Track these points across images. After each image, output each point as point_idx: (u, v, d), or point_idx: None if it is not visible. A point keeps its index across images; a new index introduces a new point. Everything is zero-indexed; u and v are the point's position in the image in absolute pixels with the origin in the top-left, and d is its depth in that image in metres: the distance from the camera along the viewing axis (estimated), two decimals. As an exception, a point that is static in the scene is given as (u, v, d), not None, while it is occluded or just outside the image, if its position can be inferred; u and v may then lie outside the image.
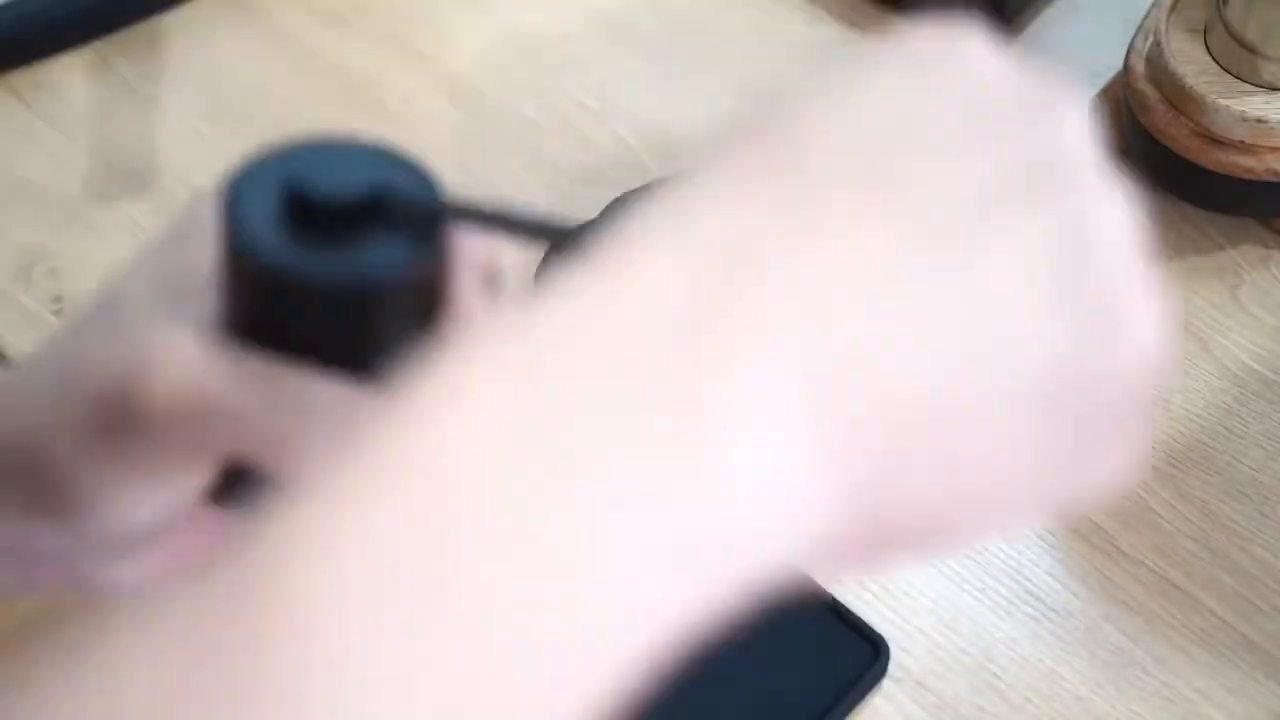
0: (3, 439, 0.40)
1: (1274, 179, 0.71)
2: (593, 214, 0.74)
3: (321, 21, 0.85)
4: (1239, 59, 0.71)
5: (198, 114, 0.80)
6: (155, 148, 0.79)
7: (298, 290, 0.37)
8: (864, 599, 0.64)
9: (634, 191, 0.74)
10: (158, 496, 0.39)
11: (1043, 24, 0.84)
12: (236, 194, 0.37)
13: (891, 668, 0.62)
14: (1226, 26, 0.71)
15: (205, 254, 0.39)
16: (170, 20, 0.84)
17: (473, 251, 0.39)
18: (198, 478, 0.39)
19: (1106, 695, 0.62)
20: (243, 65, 0.83)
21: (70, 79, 0.82)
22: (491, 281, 0.40)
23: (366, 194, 0.36)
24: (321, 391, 0.37)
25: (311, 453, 0.35)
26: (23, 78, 0.82)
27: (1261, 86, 0.71)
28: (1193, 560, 0.65)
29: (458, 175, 0.80)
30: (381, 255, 0.36)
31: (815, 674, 0.61)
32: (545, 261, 0.72)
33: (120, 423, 0.38)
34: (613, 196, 0.74)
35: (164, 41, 0.84)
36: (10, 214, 0.76)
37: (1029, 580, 0.64)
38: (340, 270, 0.36)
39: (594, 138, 0.79)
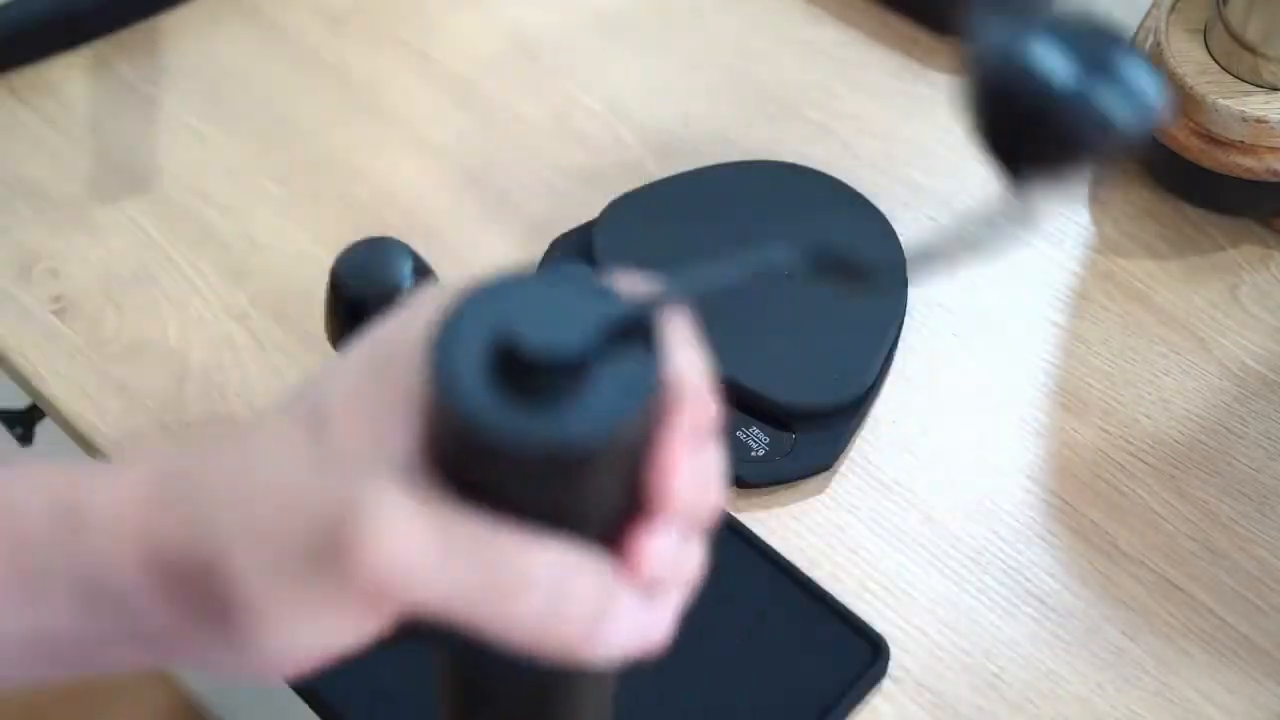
0: (189, 545, 0.39)
1: (1274, 179, 0.71)
2: (593, 214, 0.74)
3: (321, 21, 0.85)
4: (1239, 59, 0.71)
5: (198, 114, 0.81)
6: (155, 148, 0.79)
7: (504, 452, 0.35)
8: (864, 599, 0.64)
9: (634, 191, 0.74)
10: (340, 638, 0.38)
11: (1043, 24, 0.84)
12: (446, 342, 0.36)
13: (891, 668, 0.62)
14: (1226, 26, 0.71)
15: (411, 384, 0.37)
16: (170, 20, 0.85)
17: (688, 401, 0.38)
18: (389, 623, 0.38)
19: (1106, 695, 0.62)
20: (243, 65, 0.83)
21: (70, 79, 0.82)
22: (700, 439, 0.39)
23: (580, 352, 0.35)
24: (534, 557, 0.36)
25: (521, 618, 0.36)
26: (23, 78, 0.82)
27: (1261, 86, 0.71)
28: (1193, 560, 0.65)
29: (458, 175, 0.81)
30: (590, 416, 0.35)
31: (815, 674, 0.61)
32: (546, 258, 0.72)
33: (322, 567, 0.37)
34: (613, 196, 0.74)
35: (164, 41, 0.84)
36: (10, 214, 0.76)
37: (1029, 580, 0.65)
38: (546, 429, 0.35)
39: (594, 138, 0.80)
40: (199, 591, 0.39)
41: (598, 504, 0.37)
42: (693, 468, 0.38)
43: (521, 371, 0.35)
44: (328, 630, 0.38)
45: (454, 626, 0.37)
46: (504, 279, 0.37)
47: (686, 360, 0.39)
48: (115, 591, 0.40)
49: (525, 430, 0.35)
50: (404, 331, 0.39)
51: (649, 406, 0.36)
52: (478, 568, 0.36)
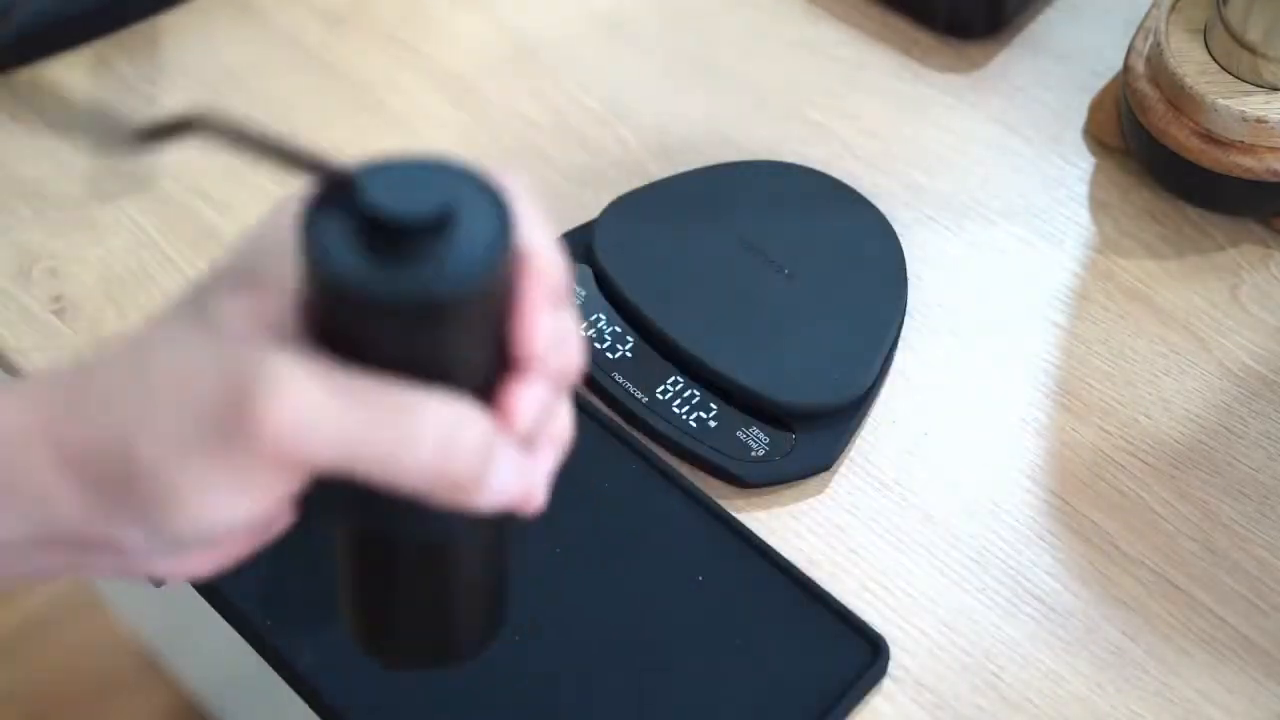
0: (96, 437, 0.41)
1: (1274, 179, 0.71)
2: (593, 214, 0.74)
3: (321, 21, 0.85)
4: (1239, 59, 0.71)
5: (198, 114, 0.80)
6: (155, 147, 0.79)
7: (376, 307, 0.39)
8: (864, 599, 0.64)
9: (634, 191, 0.74)
10: (249, 504, 0.41)
11: (1043, 24, 0.84)
12: (314, 215, 0.40)
13: (891, 668, 0.62)
14: (1226, 26, 0.71)
15: (287, 265, 0.41)
16: (170, 20, 0.85)
17: (540, 265, 0.42)
18: (292, 487, 0.41)
19: (1106, 695, 0.62)
20: (242, 65, 0.83)
21: (70, 79, 0.82)
22: (556, 302, 0.42)
23: (435, 213, 0.39)
24: (423, 407, 0.40)
25: (415, 464, 0.40)
26: (23, 78, 0.82)
27: (1261, 86, 0.71)
28: (1193, 560, 0.65)
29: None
30: (452, 269, 0.39)
31: (815, 674, 0.61)
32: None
33: (226, 437, 0.40)
34: (613, 196, 0.74)
35: (164, 41, 0.84)
36: (10, 214, 0.76)
37: (1029, 580, 0.65)
38: (413, 286, 0.38)
39: (594, 138, 0.80)
40: (112, 479, 0.41)
41: (469, 357, 0.41)
42: (552, 326, 0.42)
43: (385, 234, 0.39)
44: (238, 497, 0.41)
45: (351, 481, 0.40)
46: (365, 163, 0.41)
47: (536, 228, 0.42)
48: (32, 495, 0.42)
49: (394, 285, 0.38)
50: (273, 226, 0.43)
51: (505, 259, 0.40)
52: (372, 420, 0.39)
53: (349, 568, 0.48)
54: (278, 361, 0.39)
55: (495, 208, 0.40)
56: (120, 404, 0.41)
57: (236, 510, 0.41)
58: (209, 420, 0.40)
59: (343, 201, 0.40)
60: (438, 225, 0.39)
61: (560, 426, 0.44)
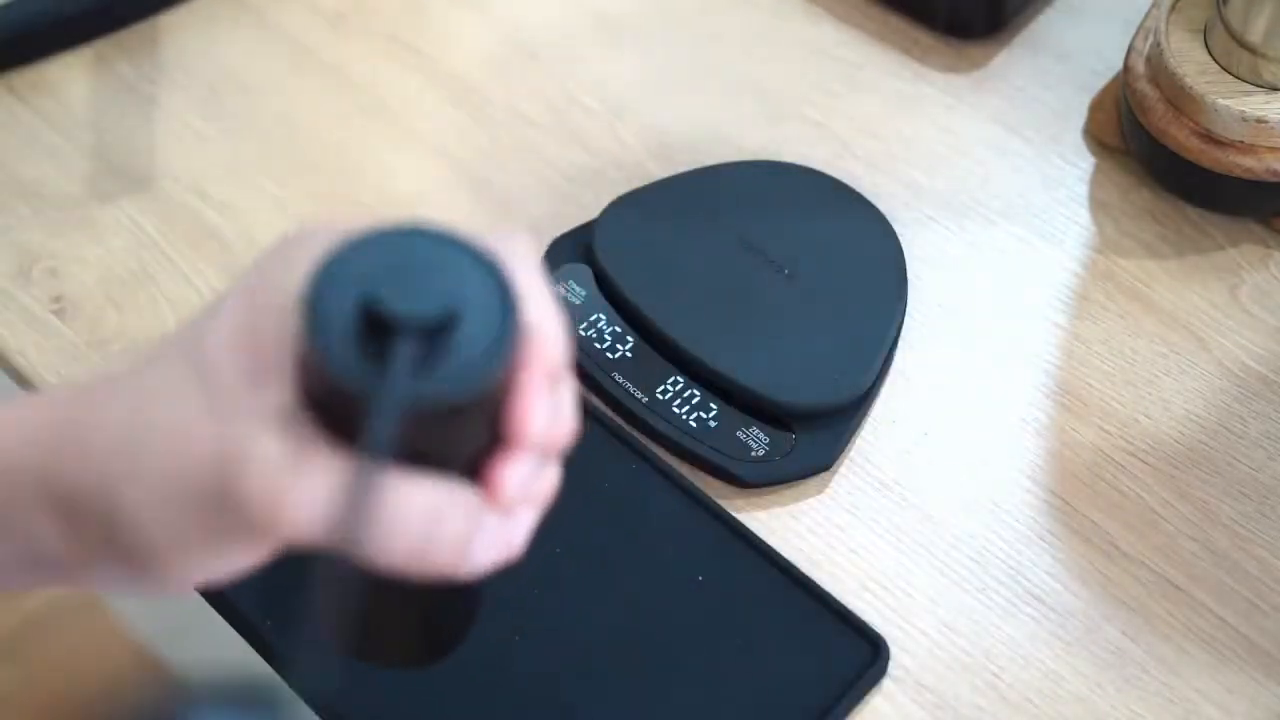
0: (84, 484, 0.41)
1: (1274, 179, 0.71)
2: (593, 214, 0.74)
3: (321, 21, 0.85)
4: (1239, 59, 0.71)
5: (198, 114, 0.81)
6: (155, 148, 0.79)
7: (373, 406, 0.38)
8: (864, 599, 0.64)
9: (634, 191, 0.74)
10: (227, 567, 0.42)
11: (1043, 24, 0.84)
12: (316, 305, 0.39)
13: (891, 668, 0.62)
14: (1226, 26, 0.71)
15: (285, 331, 0.40)
16: (170, 20, 0.85)
17: (542, 347, 0.41)
18: (267, 554, 0.42)
19: (1106, 695, 0.62)
20: (243, 65, 0.83)
21: (70, 79, 0.82)
22: (554, 379, 0.42)
23: (441, 315, 0.38)
24: (408, 497, 0.40)
25: (397, 552, 0.40)
26: (23, 78, 0.82)
27: (1261, 86, 0.71)
28: (1193, 560, 0.65)
29: (458, 175, 0.81)
30: (455, 375, 0.38)
31: (815, 674, 0.61)
32: (546, 258, 0.72)
33: (212, 508, 0.40)
34: (613, 196, 0.74)
35: (164, 41, 0.84)
36: (10, 214, 0.76)
37: (1029, 580, 0.65)
38: (413, 390, 0.38)
39: (594, 138, 0.80)
40: (95, 524, 0.41)
41: (462, 444, 0.41)
42: (547, 405, 0.41)
43: (386, 332, 0.38)
44: (220, 559, 0.41)
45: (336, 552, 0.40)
46: (366, 237, 0.40)
47: (538, 304, 0.42)
48: (14, 522, 0.42)
49: (391, 391, 0.38)
50: (278, 278, 0.41)
51: (509, 360, 0.39)
52: (359, 509, 0.39)
53: (323, 585, 0.48)
54: (269, 439, 0.39)
55: (500, 299, 0.40)
56: (108, 454, 0.41)
57: (214, 569, 0.41)
58: (196, 489, 0.40)
59: (345, 278, 0.39)
60: (442, 327, 0.38)
61: (545, 485, 0.43)
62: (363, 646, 0.50)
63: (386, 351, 0.38)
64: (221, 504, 0.40)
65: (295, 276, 0.41)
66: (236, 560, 0.41)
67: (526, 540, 0.44)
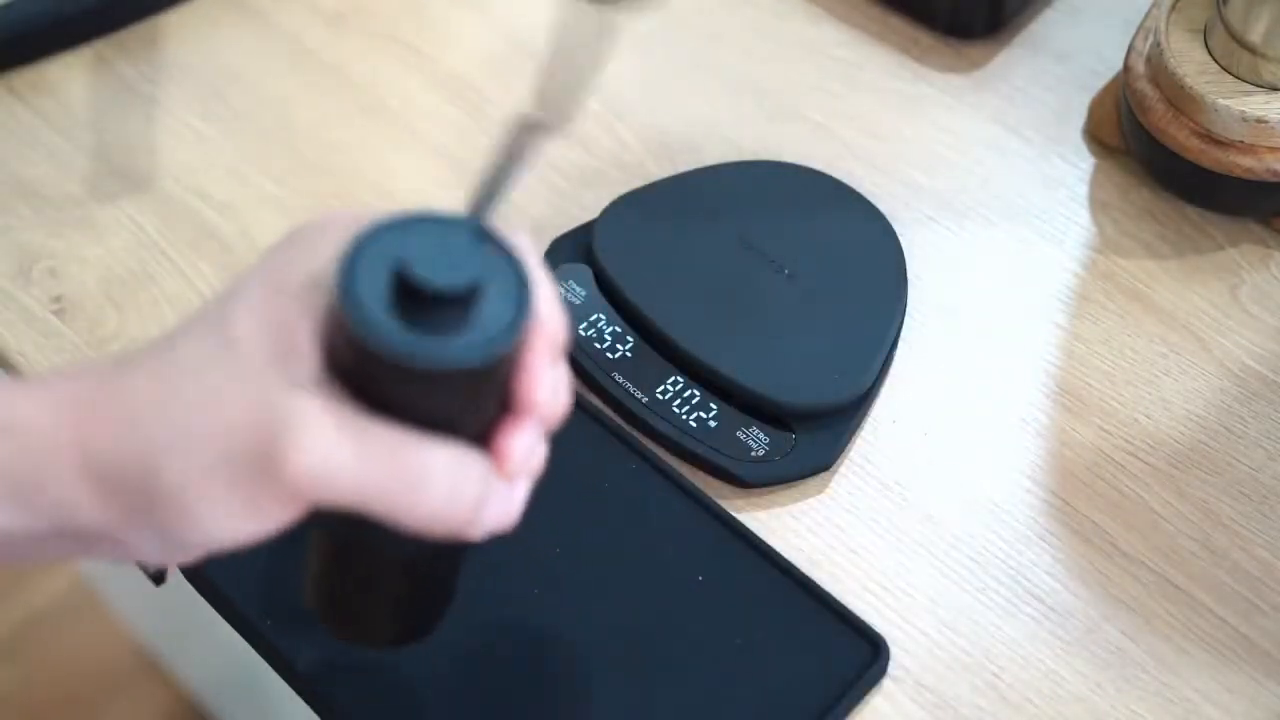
0: (122, 453, 0.43)
1: (1274, 179, 0.71)
2: (593, 214, 0.74)
3: (321, 21, 0.85)
4: (1239, 59, 0.71)
5: (198, 114, 0.81)
6: (155, 148, 0.79)
7: (407, 371, 0.42)
8: (864, 599, 0.64)
9: (634, 191, 0.74)
10: (259, 528, 0.43)
11: (1043, 24, 0.84)
12: (352, 275, 0.42)
13: (891, 668, 0.62)
14: (1226, 26, 0.71)
15: (311, 302, 0.43)
16: (170, 20, 0.85)
17: (548, 327, 0.45)
18: (298, 515, 0.44)
19: (1106, 695, 0.62)
20: (242, 65, 0.83)
21: (70, 79, 0.82)
22: (556, 358, 0.46)
23: (468, 286, 0.42)
24: (434, 461, 0.43)
25: (422, 511, 0.43)
26: (23, 78, 0.82)
27: (1261, 86, 0.71)
28: (1193, 560, 0.65)
29: (458, 175, 0.81)
30: (478, 342, 0.42)
31: (815, 674, 0.61)
32: (547, 258, 0.72)
33: (249, 473, 0.42)
34: (613, 196, 0.74)
35: (164, 41, 0.84)
36: (10, 214, 0.76)
37: (1029, 580, 0.65)
38: (443, 354, 0.42)
39: (594, 138, 0.80)
40: (134, 494, 0.43)
41: (478, 410, 0.44)
42: (551, 379, 0.45)
43: (417, 301, 0.41)
44: (251, 522, 0.43)
45: (359, 514, 0.43)
46: (394, 220, 0.44)
47: (545, 290, 0.45)
48: (52, 494, 0.44)
49: (425, 354, 0.41)
50: (300, 261, 0.44)
51: (526, 332, 0.43)
52: (389, 469, 0.42)
53: (322, 559, 0.51)
54: (304, 407, 0.42)
55: (517, 280, 0.43)
56: (148, 425, 0.43)
57: (246, 532, 0.43)
58: (234, 455, 0.42)
59: (376, 255, 0.42)
60: (469, 297, 0.42)
61: (538, 459, 0.47)
62: (346, 623, 0.53)
63: (418, 318, 0.41)
64: (263, 469, 0.42)
65: (318, 260, 0.44)
66: (268, 523, 0.43)
67: (522, 509, 0.47)
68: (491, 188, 0.44)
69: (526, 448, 0.45)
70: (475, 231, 0.44)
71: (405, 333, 0.41)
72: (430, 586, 0.53)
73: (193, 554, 0.46)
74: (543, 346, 0.45)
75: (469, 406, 0.44)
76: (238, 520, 0.43)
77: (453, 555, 0.52)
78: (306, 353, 0.43)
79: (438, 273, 0.41)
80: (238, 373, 0.43)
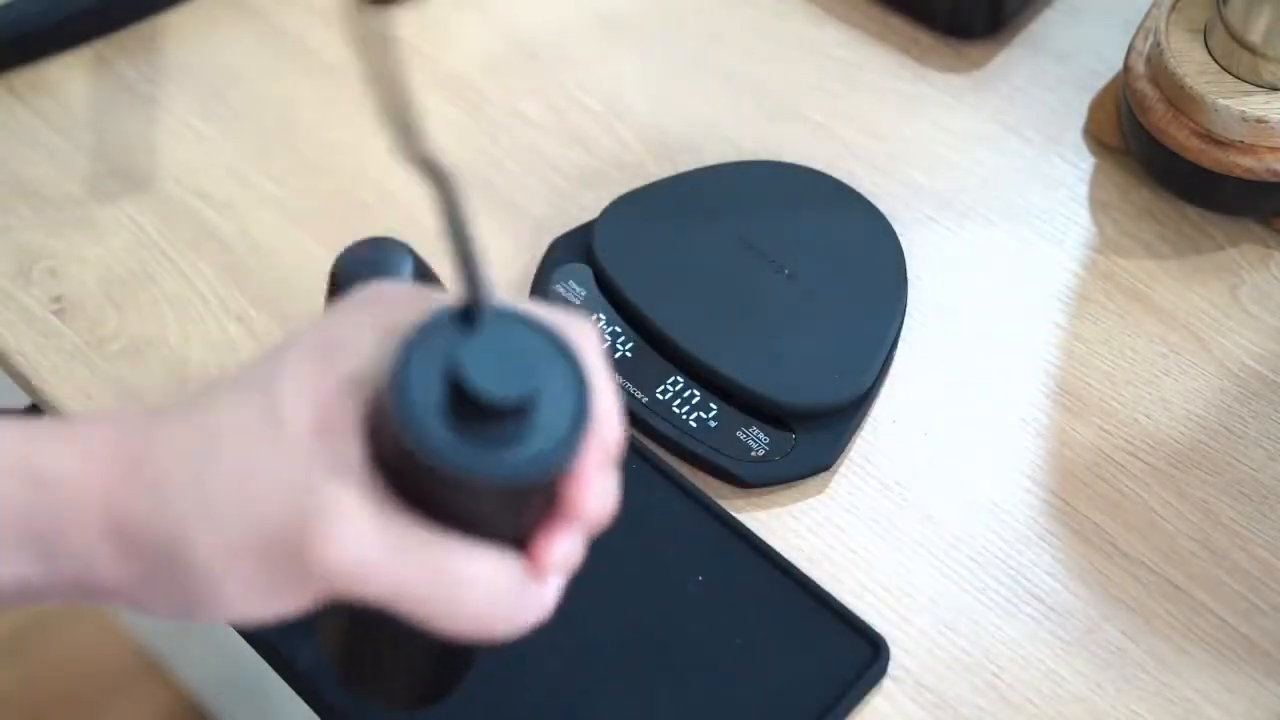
0: (151, 522, 0.42)
1: (1274, 179, 0.71)
2: (593, 214, 0.74)
3: (321, 21, 0.85)
4: (1239, 59, 0.71)
5: (198, 114, 0.81)
6: (155, 148, 0.79)
7: (456, 482, 0.40)
8: (864, 599, 0.64)
9: (634, 191, 0.74)
10: (282, 610, 0.42)
11: (1043, 24, 0.84)
12: (403, 380, 0.40)
13: (891, 668, 0.62)
14: (1226, 26, 0.71)
15: (351, 390, 0.42)
16: (170, 20, 0.85)
17: (604, 431, 0.43)
18: (318, 602, 0.42)
19: (1106, 695, 0.62)
20: (242, 65, 0.83)
21: (70, 79, 0.82)
22: (612, 457, 0.44)
23: (525, 397, 0.40)
24: (472, 569, 0.42)
25: (454, 619, 0.42)
26: (23, 78, 0.82)
27: (1261, 86, 0.71)
28: (1193, 560, 0.65)
29: (458, 175, 0.81)
30: (535, 456, 0.40)
31: (815, 674, 0.61)
32: (546, 258, 0.72)
33: (280, 559, 0.41)
34: (613, 196, 0.74)
35: (164, 41, 0.84)
36: (10, 214, 0.76)
37: (1029, 580, 0.65)
38: (497, 470, 0.40)
39: (594, 138, 0.80)
40: (157, 558, 0.42)
41: (523, 517, 0.43)
42: (601, 485, 0.43)
43: (472, 411, 0.40)
44: (271, 604, 0.42)
45: (390, 612, 0.42)
46: (448, 313, 0.41)
47: (604, 394, 0.43)
48: (72, 551, 0.42)
49: (479, 468, 0.40)
50: (348, 340, 0.43)
51: (582, 447, 0.41)
52: (425, 572, 0.41)
53: (346, 631, 0.49)
54: (342, 499, 0.40)
55: (576, 384, 0.42)
56: (180, 491, 0.41)
57: (264, 612, 0.42)
58: (266, 537, 0.41)
59: (429, 356, 0.40)
60: (526, 409, 0.40)
61: (576, 556, 0.45)
62: (365, 687, 0.51)
63: (472, 429, 0.40)
64: (293, 556, 0.40)
65: (364, 340, 0.42)
66: (288, 607, 0.42)
67: (556, 604, 0.45)
68: (464, 256, 0.41)
69: (567, 552, 0.44)
70: (531, 325, 0.42)
71: (459, 444, 0.40)
72: (453, 664, 0.51)
73: (210, 619, 0.44)
74: (597, 453, 0.43)
75: (515, 514, 0.42)
76: (258, 601, 0.42)
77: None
78: (350, 439, 0.41)
79: (495, 381, 0.39)
80: (280, 451, 0.41)
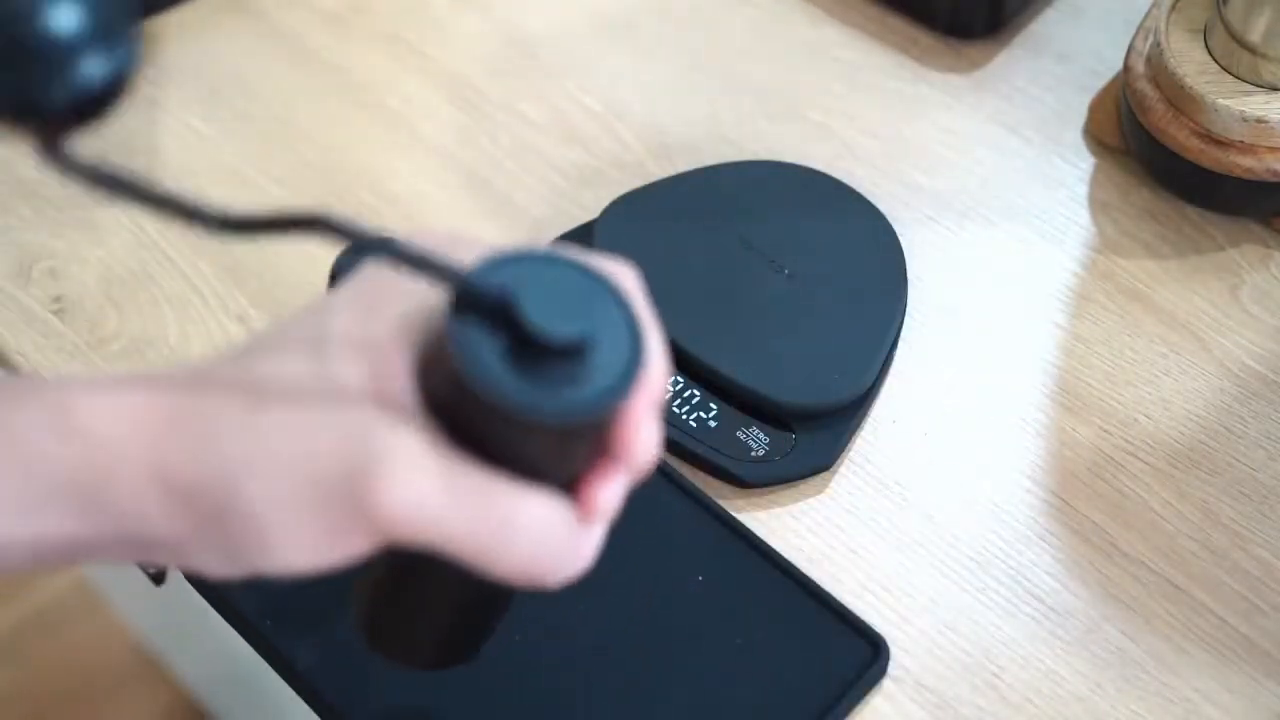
0: (201, 471, 0.41)
1: (1274, 179, 0.71)
2: (593, 214, 0.74)
3: (321, 21, 0.85)
4: (1239, 59, 0.71)
5: (198, 114, 0.81)
6: (155, 148, 0.79)
7: (517, 420, 0.40)
8: (864, 599, 0.64)
9: (634, 191, 0.74)
10: (335, 558, 0.42)
11: (1043, 24, 0.84)
12: (460, 315, 0.40)
13: (891, 668, 0.62)
14: (1226, 26, 0.71)
15: (401, 332, 0.41)
16: (170, 20, 0.85)
17: (653, 377, 0.43)
18: (373, 548, 0.42)
19: (1106, 695, 0.62)
20: (242, 65, 0.83)
21: (70, 79, 0.82)
22: (657, 402, 0.44)
23: (582, 337, 0.40)
24: (526, 511, 0.41)
25: (505, 561, 0.42)
26: (23, 78, 0.82)
27: (1261, 86, 0.71)
28: (1193, 560, 0.65)
29: (458, 175, 0.81)
30: (593, 394, 0.40)
31: (815, 674, 0.61)
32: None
33: (335, 504, 0.40)
34: (613, 196, 0.74)
35: (164, 41, 0.84)
36: (10, 214, 0.76)
37: (1029, 580, 0.65)
38: (554, 406, 0.40)
39: (594, 138, 0.80)
40: (208, 512, 0.41)
41: (575, 458, 0.43)
42: (649, 428, 0.43)
43: (531, 350, 0.40)
44: (326, 552, 0.41)
45: (441, 555, 0.41)
46: (505, 255, 0.41)
47: (653, 340, 0.43)
48: (121, 505, 0.42)
49: (539, 406, 0.39)
50: (393, 282, 0.43)
51: (636, 388, 0.42)
52: (480, 514, 0.41)
53: (381, 578, 0.49)
54: (399, 442, 0.40)
55: (628, 326, 0.42)
56: (232, 445, 0.41)
57: (319, 560, 0.42)
58: (322, 484, 0.40)
59: (489, 298, 0.40)
60: (583, 348, 0.40)
61: (618, 502, 0.45)
62: (392, 643, 0.51)
63: (532, 367, 0.40)
64: (349, 500, 0.40)
65: (414, 284, 0.42)
66: (343, 554, 0.41)
67: (598, 553, 0.45)
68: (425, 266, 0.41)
69: (616, 497, 0.44)
70: (583, 270, 0.42)
71: (519, 382, 0.40)
72: (486, 616, 0.52)
73: (256, 573, 0.44)
74: (647, 396, 0.43)
75: (568, 454, 0.42)
76: (312, 548, 0.41)
77: (513, 590, 0.50)
78: (402, 384, 0.41)
79: (552, 321, 0.40)
80: (331, 399, 0.41)
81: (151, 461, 0.42)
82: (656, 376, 0.43)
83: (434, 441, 0.41)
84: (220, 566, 0.43)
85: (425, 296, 0.42)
